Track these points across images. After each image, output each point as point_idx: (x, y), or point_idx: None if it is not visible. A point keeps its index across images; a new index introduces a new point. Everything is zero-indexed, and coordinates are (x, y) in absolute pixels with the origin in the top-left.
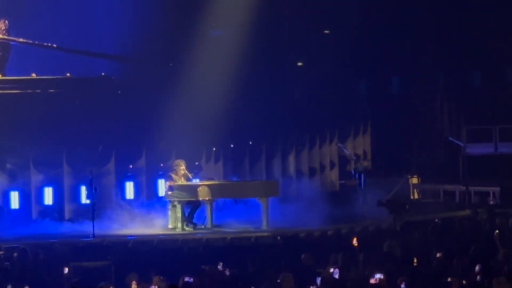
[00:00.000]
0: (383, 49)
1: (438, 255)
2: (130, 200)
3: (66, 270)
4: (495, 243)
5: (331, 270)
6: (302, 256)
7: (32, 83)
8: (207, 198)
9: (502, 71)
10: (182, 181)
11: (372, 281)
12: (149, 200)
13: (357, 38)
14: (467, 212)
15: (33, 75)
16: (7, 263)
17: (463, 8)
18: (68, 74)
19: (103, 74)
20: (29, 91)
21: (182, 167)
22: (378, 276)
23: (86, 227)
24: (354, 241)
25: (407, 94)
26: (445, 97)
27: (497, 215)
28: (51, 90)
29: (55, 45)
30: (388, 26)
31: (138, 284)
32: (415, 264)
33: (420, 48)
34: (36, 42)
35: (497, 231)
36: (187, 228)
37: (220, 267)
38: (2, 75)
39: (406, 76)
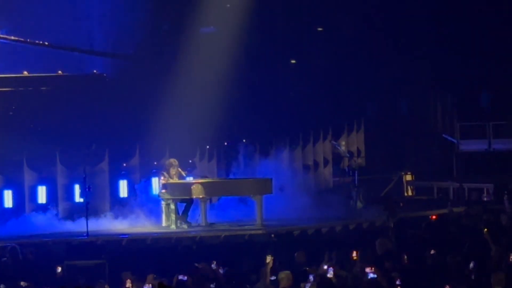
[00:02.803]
0: (375, 46)
1: (432, 252)
2: (123, 199)
3: (59, 269)
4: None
5: (325, 267)
6: (295, 254)
7: (24, 81)
8: (200, 196)
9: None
10: (175, 179)
11: (367, 278)
12: (143, 199)
13: (350, 35)
14: (461, 209)
15: (25, 72)
16: (2, 260)
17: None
18: (60, 72)
19: (95, 71)
20: (21, 89)
21: (174, 166)
22: (372, 273)
23: (80, 226)
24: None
25: (400, 91)
26: (438, 94)
27: (490, 212)
28: (43, 88)
29: (46, 43)
30: (382, 22)
31: (132, 283)
32: (405, 261)
33: (413, 44)
34: (28, 40)
35: (486, 229)
36: (181, 226)
37: (214, 265)
38: None
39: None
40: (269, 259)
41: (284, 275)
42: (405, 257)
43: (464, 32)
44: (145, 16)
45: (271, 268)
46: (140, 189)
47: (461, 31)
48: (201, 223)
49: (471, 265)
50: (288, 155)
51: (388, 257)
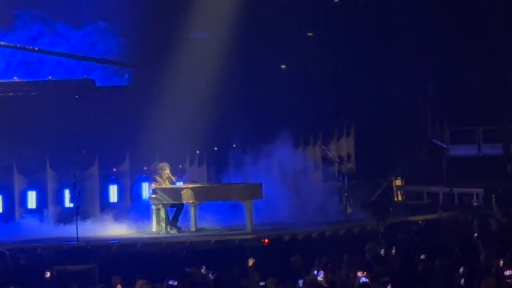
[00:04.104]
0: (366, 51)
1: (422, 257)
2: (114, 204)
3: (48, 274)
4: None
5: (316, 272)
6: (292, 258)
7: (14, 86)
8: (190, 201)
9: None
10: (166, 184)
11: (358, 282)
12: (133, 204)
13: (340, 40)
14: (450, 213)
15: (15, 78)
16: None
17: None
18: (49, 77)
19: (84, 77)
20: (10, 94)
21: (166, 170)
22: (364, 277)
23: (70, 231)
24: None
25: (390, 96)
26: (428, 99)
27: (480, 217)
28: (33, 93)
29: (36, 48)
30: (371, 28)
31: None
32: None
33: (403, 49)
34: (17, 46)
35: (476, 234)
36: (171, 231)
37: (203, 270)
38: None
39: (389, 78)
40: (251, 262)
41: (270, 282)
42: (396, 261)
43: (456, 35)
44: (135, 22)
45: (255, 269)
46: (136, 192)
47: (453, 35)
48: (191, 228)
49: (461, 270)
50: (279, 159)
51: (377, 261)
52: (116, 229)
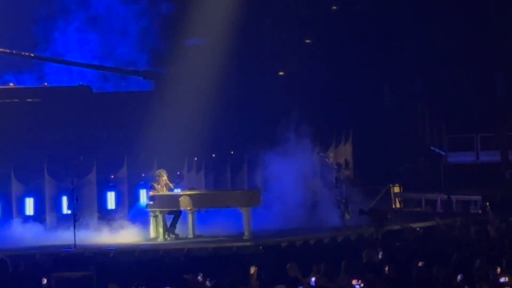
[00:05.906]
0: (363, 58)
1: (419, 264)
2: (111, 210)
3: (44, 281)
4: (477, 252)
5: (313, 279)
6: (287, 265)
7: (10, 92)
8: (188, 208)
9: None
10: (164, 191)
11: None
12: (131, 210)
13: (338, 47)
14: (448, 221)
15: (11, 84)
16: None
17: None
18: (45, 84)
19: (81, 83)
20: (6, 100)
21: (164, 177)
22: (359, 285)
23: (68, 238)
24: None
25: (389, 103)
26: (426, 106)
27: (477, 224)
28: (29, 100)
29: (32, 54)
30: (368, 34)
31: None
32: (390, 273)
33: (401, 56)
34: (14, 51)
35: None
36: (168, 238)
37: (200, 277)
38: None
39: (387, 85)
40: (253, 270)
41: None
42: (387, 268)
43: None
44: (132, 27)
45: (256, 279)
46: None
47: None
48: (188, 234)
49: (459, 277)
50: (277, 166)
51: (374, 268)
52: (114, 236)
